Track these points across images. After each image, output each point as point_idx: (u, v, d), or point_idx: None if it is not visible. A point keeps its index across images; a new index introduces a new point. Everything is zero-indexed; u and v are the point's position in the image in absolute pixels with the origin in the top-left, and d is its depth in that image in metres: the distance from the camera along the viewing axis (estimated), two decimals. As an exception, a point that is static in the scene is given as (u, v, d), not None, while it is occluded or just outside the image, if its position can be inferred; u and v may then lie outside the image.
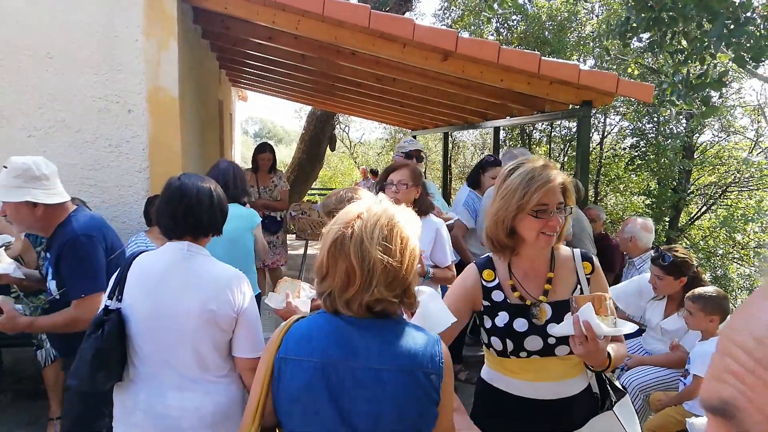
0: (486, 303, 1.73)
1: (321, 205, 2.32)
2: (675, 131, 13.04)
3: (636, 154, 14.39)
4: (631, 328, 1.57)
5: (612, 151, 15.53)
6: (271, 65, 6.79)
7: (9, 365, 3.46)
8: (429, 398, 1.25)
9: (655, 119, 13.36)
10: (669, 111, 10.71)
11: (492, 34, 14.06)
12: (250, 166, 5.83)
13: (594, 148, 14.38)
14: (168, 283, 1.82)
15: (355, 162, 24.39)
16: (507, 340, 1.67)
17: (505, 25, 13.42)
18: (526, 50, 5.35)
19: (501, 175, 1.71)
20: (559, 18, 13.05)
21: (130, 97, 3.91)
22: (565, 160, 15.62)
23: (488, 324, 1.72)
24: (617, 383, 1.84)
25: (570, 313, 1.59)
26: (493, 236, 1.69)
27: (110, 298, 1.88)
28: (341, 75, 6.39)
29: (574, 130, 14.71)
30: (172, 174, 3.86)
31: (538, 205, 1.60)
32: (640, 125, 13.96)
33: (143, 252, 1.94)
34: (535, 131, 15.71)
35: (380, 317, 1.28)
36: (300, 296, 2.30)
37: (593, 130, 13.77)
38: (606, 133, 15.32)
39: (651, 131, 13.92)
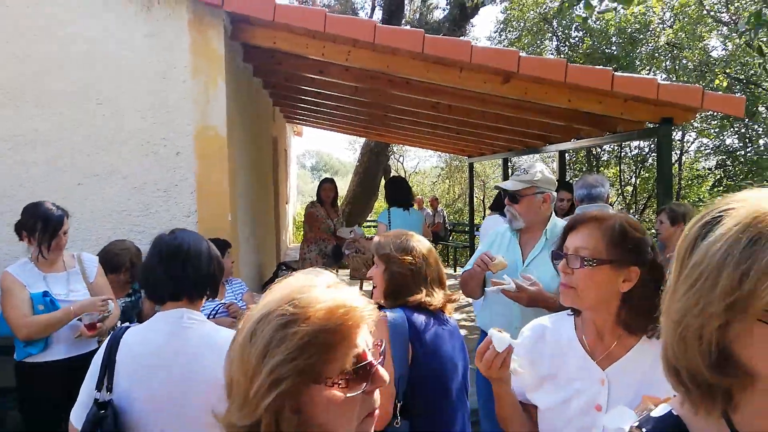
0: None
1: (374, 246, 1.99)
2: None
3: (721, 174, 13.17)
4: None
5: (692, 170, 14.38)
6: (323, 99, 6.67)
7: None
8: None
9: (748, 135, 12.13)
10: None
11: (552, 53, 13.52)
12: (308, 199, 6.02)
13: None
14: (172, 358, 1.58)
15: (412, 191, 24.12)
16: None
17: (566, 43, 12.80)
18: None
19: (682, 237, 0.82)
20: (629, 30, 12.18)
21: (179, 138, 3.79)
22: (638, 182, 14.67)
23: None
24: None
25: None
26: (684, 367, 0.76)
27: (98, 389, 1.57)
28: (395, 105, 6.19)
29: (646, 150, 13.80)
30: (221, 216, 3.75)
31: None
32: (726, 141, 12.79)
33: (129, 328, 1.67)
34: (603, 153, 14.87)
35: None
36: None
37: (668, 149, 12.84)
38: (682, 151, 14.26)
39: (739, 148, 12.73)
